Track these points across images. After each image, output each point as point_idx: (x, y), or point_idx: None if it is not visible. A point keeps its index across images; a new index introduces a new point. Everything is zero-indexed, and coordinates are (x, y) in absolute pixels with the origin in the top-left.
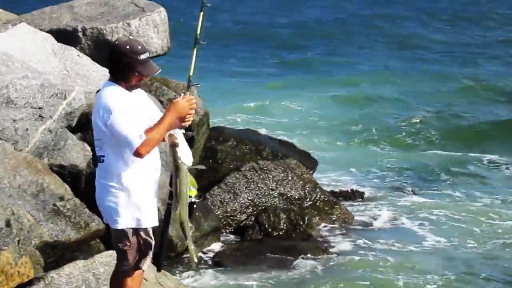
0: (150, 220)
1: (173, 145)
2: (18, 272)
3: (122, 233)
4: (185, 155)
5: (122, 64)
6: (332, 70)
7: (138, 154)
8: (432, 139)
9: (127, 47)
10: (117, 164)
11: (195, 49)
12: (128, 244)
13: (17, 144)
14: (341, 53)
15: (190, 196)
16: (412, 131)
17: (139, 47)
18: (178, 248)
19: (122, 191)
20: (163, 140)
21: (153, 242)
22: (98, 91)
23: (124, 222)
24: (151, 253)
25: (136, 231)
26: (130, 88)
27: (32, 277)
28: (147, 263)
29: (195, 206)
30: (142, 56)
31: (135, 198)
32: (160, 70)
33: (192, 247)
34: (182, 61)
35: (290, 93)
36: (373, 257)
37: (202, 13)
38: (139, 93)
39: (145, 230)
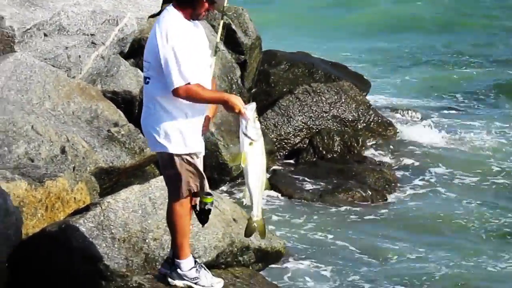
0: (193, 147)
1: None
2: (74, 198)
3: (164, 158)
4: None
5: None
6: None
7: (174, 91)
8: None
9: None
10: (161, 88)
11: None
12: (172, 170)
13: (70, 71)
14: None
15: (205, 203)
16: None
17: None
18: (233, 172)
19: (163, 116)
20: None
21: (199, 169)
22: (151, 16)
23: (164, 146)
24: (197, 181)
25: (178, 157)
26: (194, 17)
27: (88, 203)
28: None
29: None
30: None
31: (177, 124)
32: (227, 3)
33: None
34: None
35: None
36: (427, 181)
37: (222, 21)
38: (198, 25)
39: (188, 156)
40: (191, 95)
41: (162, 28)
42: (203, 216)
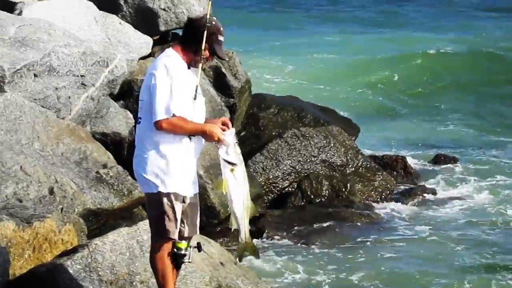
0: (182, 189)
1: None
2: (62, 239)
3: (151, 197)
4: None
5: (201, 35)
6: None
7: (157, 124)
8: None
9: (213, 22)
10: (152, 129)
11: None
12: (157, 211)
13: (60, 112)
14: None
15: (179, 249)
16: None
17: (222, 29)
18: (221, 215)
19: (153, 155)
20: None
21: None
22: (142, 58)
23: (152, 186)
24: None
25: (164, 198)
26: (192, 63)
27: (76, 245)
28: (176, 234)
29: (185, 258)
30: (221, 38)
31: (168, 165)
32: (227, 60)
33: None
34: (226, 30)
35: None
36: (414, 226)
37: (201, 63)
38: (193, 73)
39: (174, 198)
40: (174, 128)
41: (156, 65)
42: (175, 261)
